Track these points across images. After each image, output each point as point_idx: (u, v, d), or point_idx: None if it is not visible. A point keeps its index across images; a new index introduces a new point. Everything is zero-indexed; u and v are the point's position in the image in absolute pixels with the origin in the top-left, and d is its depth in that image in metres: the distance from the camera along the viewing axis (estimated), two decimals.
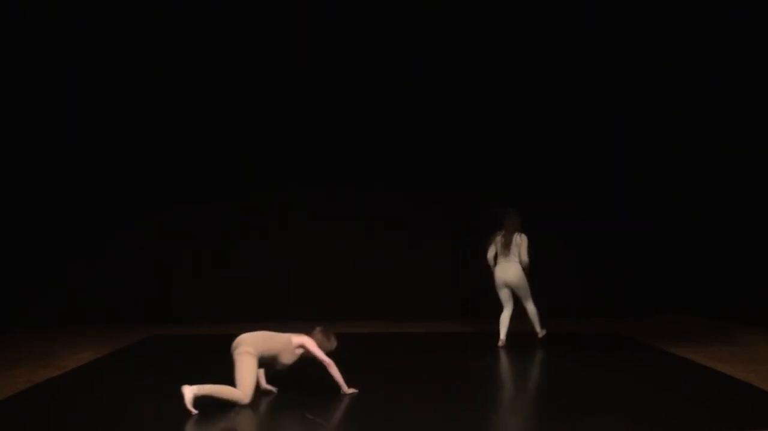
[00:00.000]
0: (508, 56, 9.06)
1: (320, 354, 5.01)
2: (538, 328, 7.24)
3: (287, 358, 5.02)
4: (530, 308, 7.19)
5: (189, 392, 4.57)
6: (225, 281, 9.12)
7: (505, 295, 7.12)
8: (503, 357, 6.82)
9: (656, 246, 9.19)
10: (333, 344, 5.12)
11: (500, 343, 7.03)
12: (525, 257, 6.98)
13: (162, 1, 8.74)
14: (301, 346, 5.03)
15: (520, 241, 7.02)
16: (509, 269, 6.99)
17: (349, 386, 5.03)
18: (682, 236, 9.16)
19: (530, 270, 7.09)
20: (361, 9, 8.91)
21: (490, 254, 7.12)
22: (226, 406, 4.69)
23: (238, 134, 9.12)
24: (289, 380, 5.63)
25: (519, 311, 7.25)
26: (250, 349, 4.85)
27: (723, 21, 8.59)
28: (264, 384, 5.20)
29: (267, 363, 4.99)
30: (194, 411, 4.52)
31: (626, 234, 9.12)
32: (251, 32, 8.93)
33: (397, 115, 9.10)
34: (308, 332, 5.14)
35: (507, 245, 6.98)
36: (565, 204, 9.02)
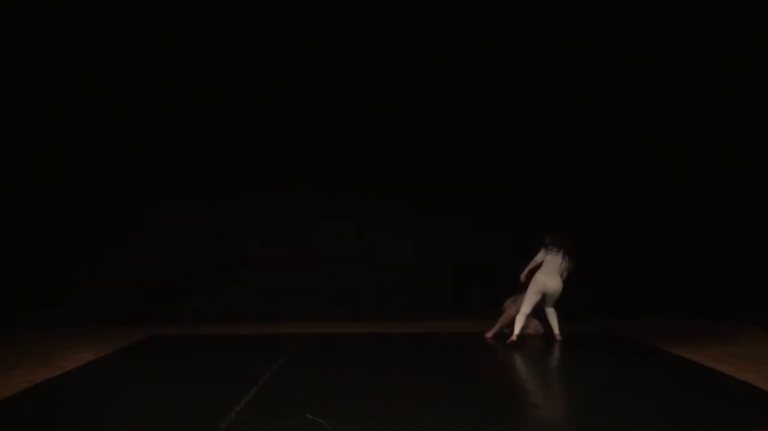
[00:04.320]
0: (506, 58, 9.06)
1: None
2: (558, 330, 7.57)
3: None
4: (554, 312, 7.63)
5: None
6: (225, 282, 9.12)
7: (537, 300, 7.50)
8: (503, 357, 6.83)
9: (656, 246, 9.18)
10: None
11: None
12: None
13: (176, 10, 8.74)
14: None
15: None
16: (558, 281, 7.42)
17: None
18: (682, 236, 9.15)
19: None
20: (364, 19, 8.90)
21: (534, 264, 7.49)
22: (225, 409, 4.69)
23: (238, 136, 9.12)
24: (290, 380, 5.65)
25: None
26: None
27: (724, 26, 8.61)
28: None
29: None
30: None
31: (626, 234, 9.12)
32: (257, 40, 8.92)
33: (397, 120, 9.11)
34: None
35: (568, 266, 7.46)
36: (565, 205, 9.01)
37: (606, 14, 8.84)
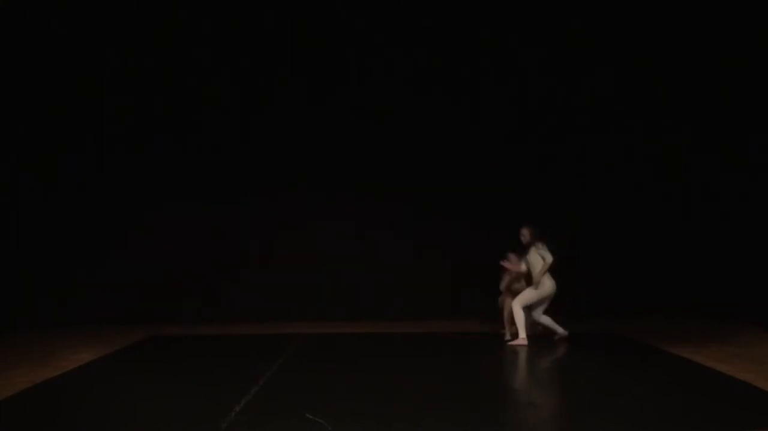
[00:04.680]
0: (506, 58, 9.07)
1: None
2: (561, 328, 7.44)
3: None
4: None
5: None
6: (225, 282, 9.12)
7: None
8: (503, 357, 6.82)
9: (656, 246, 9.18)
10: None
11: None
12: None
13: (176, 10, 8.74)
14: None
15: None
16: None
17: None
18: (682, 236, 9.15)
19: None
20: (364, 19, 8.90)
21: (548, 266, 7.30)
22: (225, 409, 4.69)
23: (238, 136, 9.13)
24: (290, 380, 5.65)
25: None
26: None
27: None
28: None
29: None
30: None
31: (626, 234, 9.13)
32: (257, 40, 8.93)
33: (397, 120, 9.11)
34: None
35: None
36: (565, 205, 9.01)
37: (606, 14, 8.84)
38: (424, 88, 9.06)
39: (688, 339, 7.35)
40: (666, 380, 5.58)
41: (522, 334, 7.19)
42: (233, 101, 9.09)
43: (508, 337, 7.49)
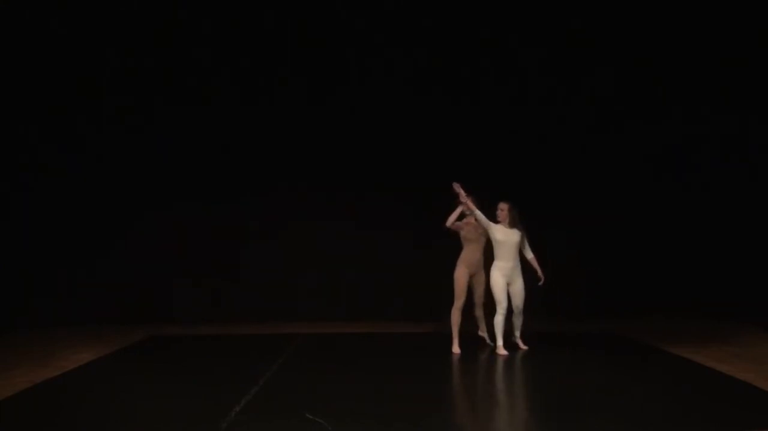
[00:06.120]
0: (506, 58, 9.06)
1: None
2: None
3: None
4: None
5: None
6: (225, 282, 9.12)
7: None
8: (503, 357, 6.81)
9: (656, 246, 9.19)
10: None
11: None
12: None
13: (176, 10, 8.74)
14: None
15: None
16: None
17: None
18: (682, 236, 9.16)
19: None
20: (364, 19, 8.90)
21: None
22: (225, 409, 4.69)
23: (239, 136, 9.12)
24: (290, 380, 5.65)
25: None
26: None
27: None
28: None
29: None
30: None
31: (626, 234, 9.13)
32: (257, 40, 8.93)
33: (397, 120, 9.10)
34: None
35: None
36: (566, 205, 9.01)
37: (606, 14, 8.84)
38: (424, 88, 9.06)
39: (688, 339, 7.36)
40: (666, 380, 5.59)
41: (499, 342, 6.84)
42: (233, 101, 9.09)
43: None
